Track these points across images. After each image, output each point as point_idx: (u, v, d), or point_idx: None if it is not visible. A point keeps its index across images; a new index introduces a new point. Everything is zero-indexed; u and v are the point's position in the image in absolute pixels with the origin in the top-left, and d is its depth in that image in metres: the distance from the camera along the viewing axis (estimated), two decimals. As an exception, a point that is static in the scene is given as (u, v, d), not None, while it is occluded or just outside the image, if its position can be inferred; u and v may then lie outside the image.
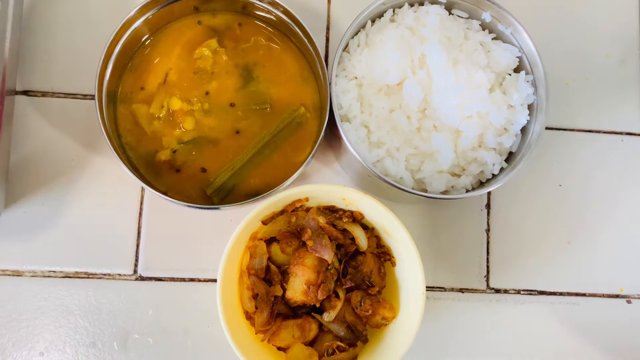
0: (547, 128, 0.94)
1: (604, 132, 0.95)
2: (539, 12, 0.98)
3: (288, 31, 0.86)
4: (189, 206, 0.77)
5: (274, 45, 0.87)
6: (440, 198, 0.75)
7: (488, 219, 0.91)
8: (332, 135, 0.85)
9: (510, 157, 0.83)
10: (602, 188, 0.94)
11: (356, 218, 0.81)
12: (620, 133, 0.96)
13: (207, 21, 0.87)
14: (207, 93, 0.83)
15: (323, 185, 0.78)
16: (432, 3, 0.83)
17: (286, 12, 0.82)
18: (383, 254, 0.82)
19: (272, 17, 0.86)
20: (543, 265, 0.91)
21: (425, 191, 0.80)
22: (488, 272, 0.90)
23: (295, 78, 0.86)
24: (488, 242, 0.91)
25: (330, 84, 0.77)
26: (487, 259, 0.90)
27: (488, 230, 0.91)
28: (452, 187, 0.80)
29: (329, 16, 0.95)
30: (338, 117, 0.76)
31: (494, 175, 0.82)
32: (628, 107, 0.97)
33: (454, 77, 0.77)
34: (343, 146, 0.77)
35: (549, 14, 0.99)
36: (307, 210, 0.80)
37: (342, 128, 0.75)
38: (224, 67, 0.84)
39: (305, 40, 0.83)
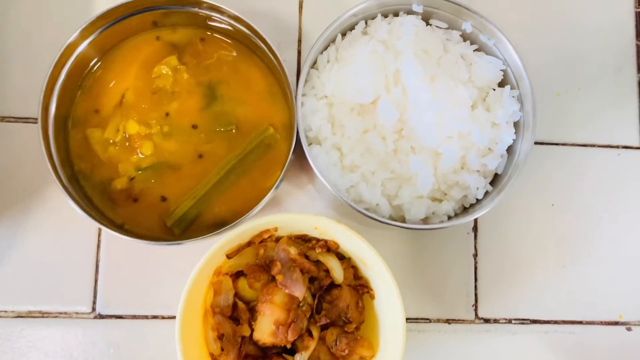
0: (537, 143, 0.87)
1: (599, 146, 0.89)
2: (525, 18, 0.91)
3: (254, 46, 0.80)
4: (146, 243, 0.71)
5: (239, 61, 0.81)
6: (418, 228, 0.68)
7: (475, 244, 0.85)
8: (304, 157, 0.78)
9: (496, 179, 0.77)
10: (598, 206, 0.88)
11: (331, 248, 0.75)
12: (617, 147, 0.90)
13: (167, 36, 0.81)
14: (167, 114, 0.77)
15: (293, 214, 0.71)
16: (407, 13, 0.77)
17: (249, 27, 0.75)
18: (361, 287, 0.75)
19: (236, 31, 0.79)
20: (536, 292, 0.85)
21: (404, 220, 0.73)
22: (476, 300, 0.84)
23: (263, 96, 0.80)
24: (476, 269, 0.84)
25: (296, 104, 0.70)
26: (475, 286, 0.84)
27: (476, 255, 0.85)
28: (433, 213, 0.74)
29: (300, 28, 0.89)
30: (304, 140, 0.70)
31: (478, 200, 0.75)
32: (625, 118, 0.91)
33: (431, 94, 0.71)
34: (313, 171, 0.71)
35: (537, 20, 0.92)
36: (277, 240, 0.74)
37: (311, 152, 0.69)
38: (185, 86, 0.78)
39: (271, 56, 0.77)
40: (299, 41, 0.88)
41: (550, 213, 0.87)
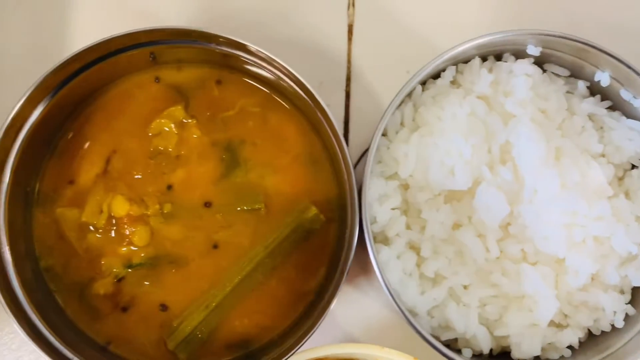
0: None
1: None
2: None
3: (288, 91, 0.59)
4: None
5: (270, 112, 0.60)
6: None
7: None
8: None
9: (636, 293, 0.54)
10: None
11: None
12: None
13: (170, 77, 0.61)
14: (169, 188, 0.59)
15: (353, 346, 0.51)
16: (514, 55, 0.54)
17: (287, 72, 0.53)
18: None
19: (265, 72, 0.58)
20: None
21: (507, 354, 0.51)
22: None
23: (301, 161, 0.60)
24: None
25: (359, 189, 0.49)
26: None
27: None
28: (550, 344, 0.52)
29: (349, 61, 0.67)
30: (371, 242, 0.48)
31: (614, 326, 0.53)
32: None
33: (559, 180, 0.48)
34: (378, 283, 0.49)
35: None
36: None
37: (377, 260, 0.47)
38: (195, 147, 0.60)
39: (317, 110, 0.56)
40: (348, 79, 0.67)
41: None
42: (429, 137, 0.51)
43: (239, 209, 0.58)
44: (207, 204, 0.58)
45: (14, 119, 0.50)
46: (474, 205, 0.50)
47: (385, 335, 0.64)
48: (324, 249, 0.59)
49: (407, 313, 0.47)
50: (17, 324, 0.49)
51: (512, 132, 0.50)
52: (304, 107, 0.59)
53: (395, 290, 0.51)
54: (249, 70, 0.59)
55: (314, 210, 0.58)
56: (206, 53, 0.59)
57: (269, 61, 0.55)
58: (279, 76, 0.57)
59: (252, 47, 0.54)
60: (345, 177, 0.54)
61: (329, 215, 0.59)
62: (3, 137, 0.50)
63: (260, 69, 0.58)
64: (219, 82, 0.61)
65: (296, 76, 0.53)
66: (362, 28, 0.67)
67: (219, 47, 0.56)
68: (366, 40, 0.67)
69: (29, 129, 0.54)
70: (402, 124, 0.54)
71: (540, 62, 0.55)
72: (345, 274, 0.51)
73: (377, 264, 0.47)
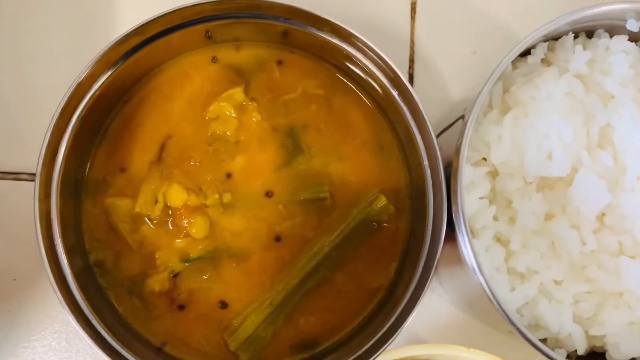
0: None
1: None
2: None
3: (356, 74, 0.54)
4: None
5: (334, 94, 0.56)
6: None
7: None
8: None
9: None
10: None
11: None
12: None
13: (227, 57, 0.57)
14: (228, 176, 0.55)
15: (434, 347, 0.47)
16: (608, 32, 0.49)
17: (360, 46, 0.49)
18: None
19: (328, 49, 0.54)
20: None
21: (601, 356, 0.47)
22: None
23: (368, 147, 0.56)
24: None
25: (451, 179, 0.45)
26: None
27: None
28: (648, 344, 0.48)
29: (412, 41, 0.63)
30: (467, 233, 0.43)
31: None
32: None
33: None
34: (468, 275, 0.45)
35: None
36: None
37: (476, 254, 0.43)
38: (255, 132, 0.56)
39: (394, 89, 0.51)
40: (411, 60, 0.63)
41: None
42: (523, 119, 0.47)
43: (302, 198, 0.54)
44: (269, 194, 0.54)
45: (70, 98, 0.46)
46: (571, 193, 0.46)
47: (453, 335, 0.60)
48: (394, 242, 0.55)
49: (508, 312, 0.42)
50: (75, 321, 0.45)
51: (614, 114, 0.46)
52: (371, 89, 0.55)
53: (489, 282, 0.47)
54: (311, 49, 0.55)
55: (383, 200, 0.54)
56: (265, 31, 0.54)
57: (344, 35, 0.51)
58: (348, 53, 0.53)
59: (331, 19, 0.49)
60: (426, 163, 0.50)
61: (399, 205, 0.55)
62: (59, 117, 0.45)
63: (324, 44, 0.53)
64: (279, 62, 0.56)
65: (377, 52, 0.49)
66: (426, 6, 0.63)
67: (287, 21, 0.52)
68: (430, 20, 0.63)
69: (81, 111, 0.49)
70: (489, 105, 0.49)
71: (635, 38, 0.51)
72: (433, 270, 0.46)
73: (475, 258, 0.43)
